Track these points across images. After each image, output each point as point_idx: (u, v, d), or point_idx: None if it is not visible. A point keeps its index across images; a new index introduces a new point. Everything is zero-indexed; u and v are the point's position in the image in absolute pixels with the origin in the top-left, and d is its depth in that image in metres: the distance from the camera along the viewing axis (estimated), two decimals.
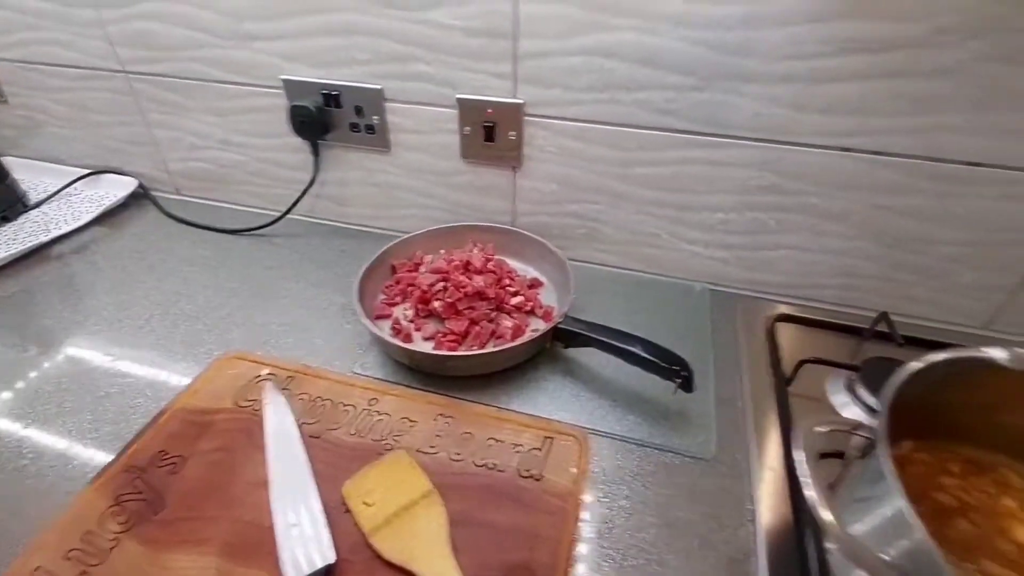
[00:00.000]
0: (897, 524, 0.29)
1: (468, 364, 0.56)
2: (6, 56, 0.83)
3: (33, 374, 0.57)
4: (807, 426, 0.36)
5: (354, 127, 0.72)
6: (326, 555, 0.39)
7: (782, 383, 0.57)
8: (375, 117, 0.70)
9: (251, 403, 0.52)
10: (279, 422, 0.49)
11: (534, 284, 0.69)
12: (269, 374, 0.55)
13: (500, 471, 0.46)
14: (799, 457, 0.34)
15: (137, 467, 0.46)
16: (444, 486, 0.44)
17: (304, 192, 0.77)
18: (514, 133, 0.66)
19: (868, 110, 0.55)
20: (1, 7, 0.78)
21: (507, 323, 0.61)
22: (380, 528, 0.41)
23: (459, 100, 0.66)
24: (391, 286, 0.67)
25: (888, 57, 0.51)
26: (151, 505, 0.43)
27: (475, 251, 0.69)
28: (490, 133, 0.67)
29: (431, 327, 0.61)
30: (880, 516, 0.31)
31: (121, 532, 0.41)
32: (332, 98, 0.70)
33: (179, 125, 0.82)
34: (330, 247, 0.79)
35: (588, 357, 0.58)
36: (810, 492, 0.32)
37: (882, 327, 0.61)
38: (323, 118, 0.72)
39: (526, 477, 0.46)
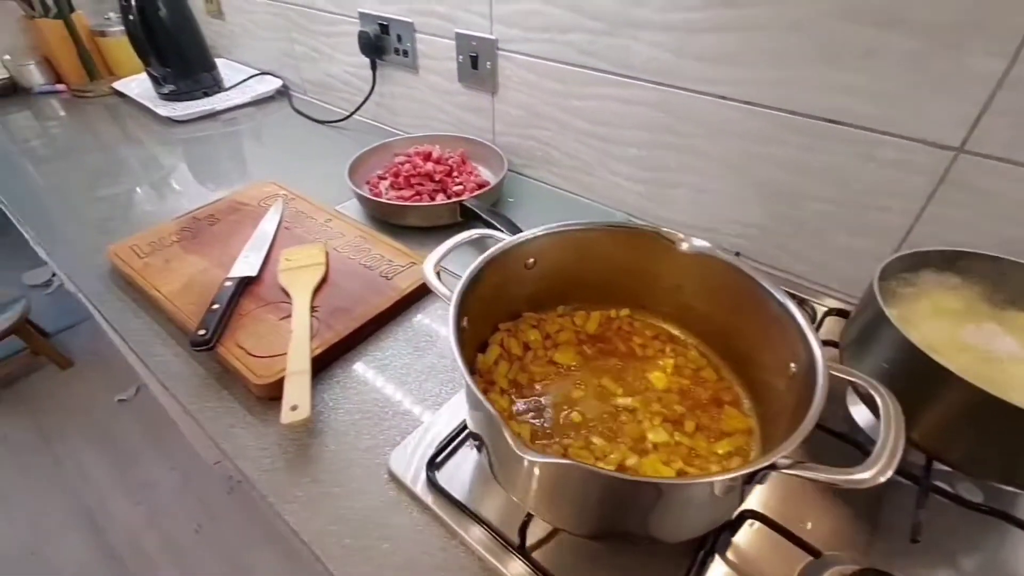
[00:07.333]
0: None
1: (390, 211, 0.80)
2: None
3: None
4: None
5: (397, 51, 0.98)
6: (253, 270, 0.67)
7: None
8: (408, 44, 0.95)
9: (266, 206, 0.83)
10: (270, 219, 0.79)
11: (483, 184, 0.88)
12: (283, 195, 0.86)
13: (369, 268, 0.69)
14: None
15: (197, 218, 0.80)
16: (334, 265, 0.69)
17: (365, 99, 1.07)
18: (490, 63, 0.86)
19: (736, 61, 0.62)
20: None
21: (441, 199, 0.83)
22: (286, 271, 0.68)
23: (457, 34, 0.87)
24: (388, 167, 0.93)
25: (750, 12, 0.59)
26: (194, 235, 0.76)
27: (445, 152, 0.91)
28: (475, 62, 0.87)
29: (393, 193, 0.86)
30: None
31: (175, 242, 0.75)
32: (384, 27, 0.97)
33: (307, 43, 1.17)
34: (368, 139, 1.06)
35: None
36: None
37: None
38: (378, 43, 0.99)
39: (383, 277, 0.68)
